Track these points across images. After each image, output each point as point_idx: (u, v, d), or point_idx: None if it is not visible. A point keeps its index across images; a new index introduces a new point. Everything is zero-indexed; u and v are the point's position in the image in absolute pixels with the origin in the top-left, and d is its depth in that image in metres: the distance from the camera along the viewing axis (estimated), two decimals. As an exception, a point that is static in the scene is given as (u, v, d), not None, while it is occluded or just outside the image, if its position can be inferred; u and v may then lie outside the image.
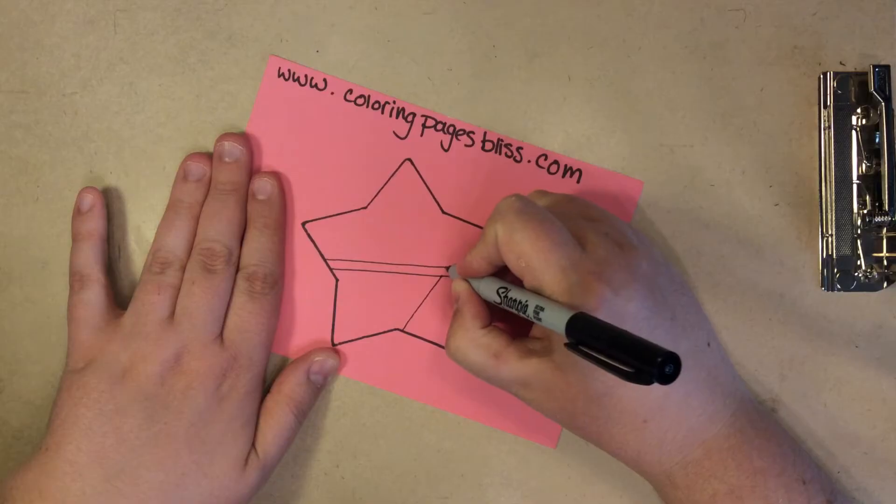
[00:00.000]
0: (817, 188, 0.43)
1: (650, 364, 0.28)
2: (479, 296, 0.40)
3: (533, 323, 0.37)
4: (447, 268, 0.43)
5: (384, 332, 0.43)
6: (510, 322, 0.41)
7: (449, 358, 0.40)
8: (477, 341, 0.38)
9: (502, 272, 0.39)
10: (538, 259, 0.35)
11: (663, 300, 0.37)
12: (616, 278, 0.35)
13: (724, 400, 0.38)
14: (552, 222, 0.36)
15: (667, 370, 0.28)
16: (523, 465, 0.43)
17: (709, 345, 0.40)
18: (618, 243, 0.37)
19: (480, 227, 0.43)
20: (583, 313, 0.32)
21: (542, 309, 0.34)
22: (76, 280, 0.41)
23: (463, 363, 0.39)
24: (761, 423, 0.40)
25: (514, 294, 0.37)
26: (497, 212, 0.37)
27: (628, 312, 0.35)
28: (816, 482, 0.39)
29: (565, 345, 0.32)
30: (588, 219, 0.38)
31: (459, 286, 0.40)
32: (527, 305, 0.35)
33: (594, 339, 0.31)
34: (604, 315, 0.34)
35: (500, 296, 0.38)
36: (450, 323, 0.40)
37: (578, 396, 0.36)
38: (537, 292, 0.36)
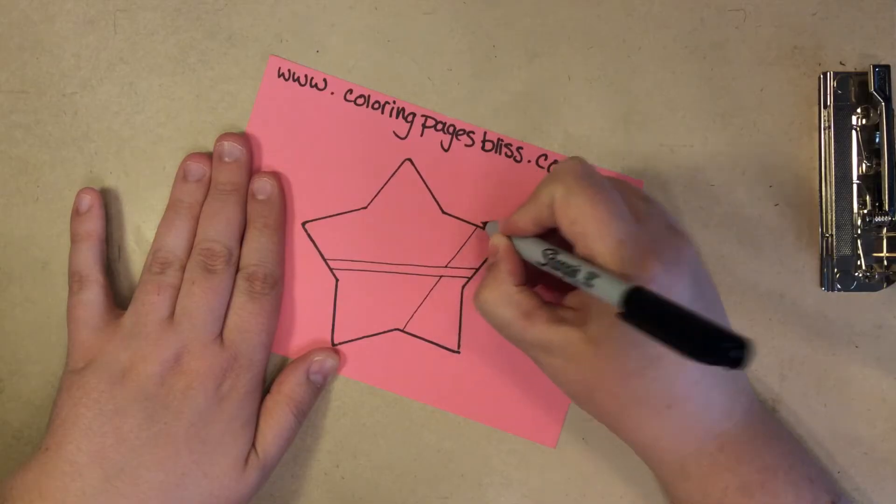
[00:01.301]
0: (817, 188, 0.43)
1: (723, 344, 0.27)
2: (517, 254, 0.39)
3: (565, 293, 0.37)
4: (483, 224, 0.43)
5: (384, 332, 0.43)
6: (545, 288, 0.40)
7: (475, 310, 0.39)
8: (510, 297, 0.38)
9: (546, 236, 0.38)
10: (595, 226, 0.35)
11: (704, 292, 0.37)
12: (668, 257, 0.35)
13: (739, 397, 0.38)
14: (612, 192, 0.36)
15: (738, 355, 0.27)
16: (523, 465, 0.43)
17: None
18: (670, 228, 0.37)
19: (480, 227, 0.43)
20: (643, 287, 0.32)
21: (594, 276, 0.34)
22: (75, 281, 0.41)
23: (490, 317, 0.39)
24: (771, 422, 0.40)
25: (564, 258, 0.36)
26: (557, 173, 0.37)
27: (674, 293, 0.35)
28: (822, 481, 0.39)
29: (619, 314, 0.31)
30: (642, 199, 0.38)
31: (500, 240, 0.39)
32: (577, 270, 0.34)
33: (653, 314, 0.30)
34: (653, 290, 0.34)
35: (546, 257, 0.37)
36: (483, 276, 0.39)
37: (606, 372, 0.36)
38: (588, 260, 0.35)
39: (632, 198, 0.38)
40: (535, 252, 0.38)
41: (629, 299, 0.31)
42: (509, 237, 0.39)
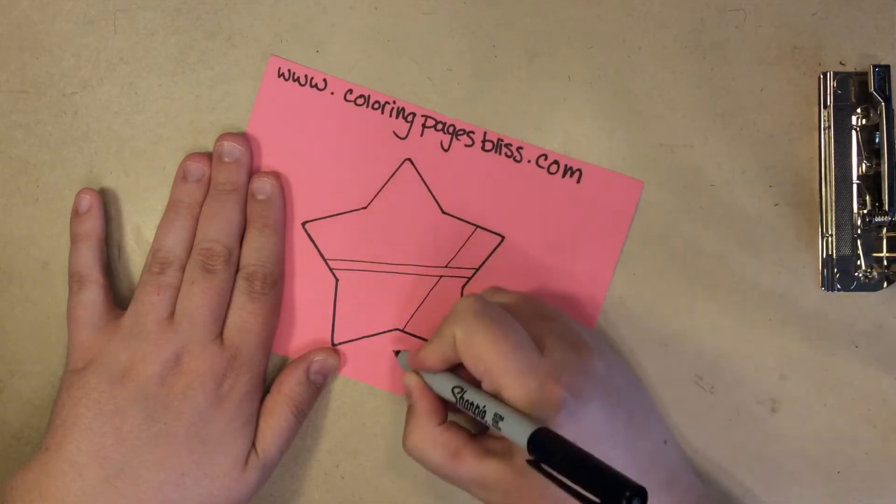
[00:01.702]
0: (817, 188, 0.43)
1: (617, 496, 0.28)
2: (431, 391, 0.39)
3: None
4: (396, 353, 0.43)
5: (384, 332, 0.43)
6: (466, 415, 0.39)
7: (407, 454, 0.39)
8: (434, 440, 0.38)
9: (454, 368, 0.39)
10: (498, 362, 0.35)
11: (619, 401, 0.37)
12: (574, 382, 0.35)
13: (681, 498, 0.38)
14: (511, 324, 0.36)
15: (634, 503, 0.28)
16: (523, 465, 0.43)
17: (665, 442, 0.40)
18: (574, 345, 0.37)
19: (480, 227, 0.43)
20: (545, 429, 0.32)
21: (502, 418, 0.34)
22: (75, 281, 0.41)
23: (421, 461, 0.39)
24: None
25: (471, 396, 0.36)
26: (455, 313, 0.37)
27: (588, 417, 0.35)
28: None
29: (527, 461, 0.32)
30: (544, 319, 0.38)
31: (410, 380, 0.39)
32: (485, 411, 0.35)
33: (556, 457, 0.30)
34: (563, 420, 0.34)
35: (455, 395, 0.37)
36: (405, 419, 0.39)
37: (538, 501, 0.36)
38: (496, 395, 0.36)
39: (533, 320, 0.38)
40: (445, 390, 0.38)
41: (535, 442, 0.31)
42: (420, 373, 0.39)
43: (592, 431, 0.35)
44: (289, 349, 0.43)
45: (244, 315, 0.40)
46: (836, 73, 0.43)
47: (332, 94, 0.43)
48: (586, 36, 0.43)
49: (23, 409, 0.43)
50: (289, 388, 0.41)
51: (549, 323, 0.38)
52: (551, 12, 0.43)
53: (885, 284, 0.42)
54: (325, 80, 0.43)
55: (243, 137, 0.43)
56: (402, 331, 0.43)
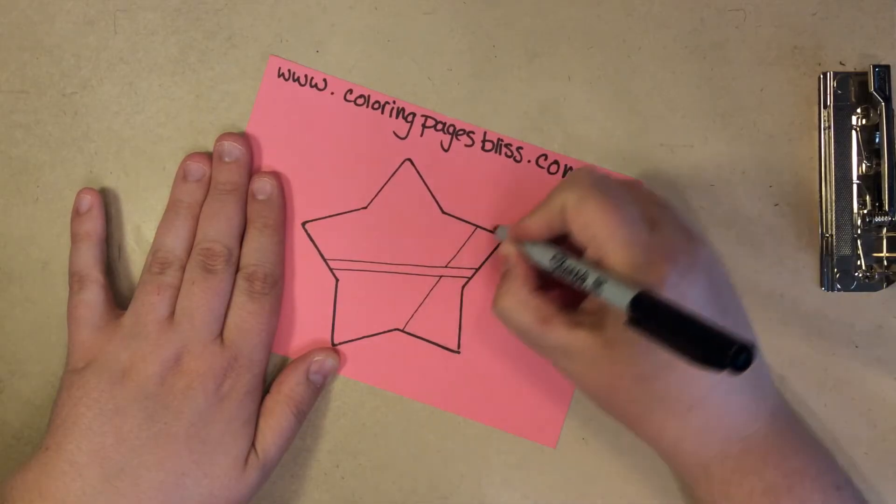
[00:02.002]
0: (817, 188, 0.43)
1: (725, 350, 0.27)
2: (529, 259, 0.39)
3: (583, 297, 0.37)
4: (494, 228, 0.43)
5: (384, 332, 0.43)
6: (561, 292, 0.40)
7: (495, 316, 0.39)
8: (527, 303, 0.38)
9: (557, 242, 0.39)
10: (607, 231, 0.35)
11: (718, 294, 0.37)
12: (681, 262, 0.35)
13: (765, 400, 0.38)
14: (625, 198, 0.36)
15: (741, 358, 0.27)
16: (523, 465, 0.43)
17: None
18: (683, 230, 0.37)
19: (480, 227, 0.43)
20: (649, 292, 0.32)
21: (604, 282, 0.34)
22: (75, 281, 0.41)
23: (509, 323, 0.39)
24: (797, 427, 0.39)
25: (571, 263, 0.36)
26: (570, 180, 0.37)
27: (688, 297, 0.35)
28: (849, 489, 0.38)
29: (627, 320, 0.32)
30: (657, 204, 0.38)
31: (509, 248, 0.39)
32: (585, 276, 0.35)
33: (660, 319, 0.30)
34: (665, 292, 0.34)
35: (554, 262, 0.37)
36: (498, 284, 0.39)
37: (624, 375, 0.36)
38: (598, 263, 0.36)
39: (647, 203, 0.38)
40: (544, 258, 0.38)
41: (636, 304, 0.31)
42: (520, 243, 0.39)
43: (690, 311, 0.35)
44: (289, 349, 0.43)
45: (244, 315, 0.40)
46: (836, 73, 0.43)
47: (332, 94, 0.43)
48: (586, 36, 0.43)
49: (23, 409, 0.43)
50: (289, 387, 0.41)
51: (661, 209, 0.38)
52: (551, 12, 0.43)
53: (885, 284, 0.42)
54: (325, 80, 0.43)
55: (243, 137, 0.43)
56: (402, 331, 0.43)
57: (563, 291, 0.40)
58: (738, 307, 0.39)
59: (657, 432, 0.37)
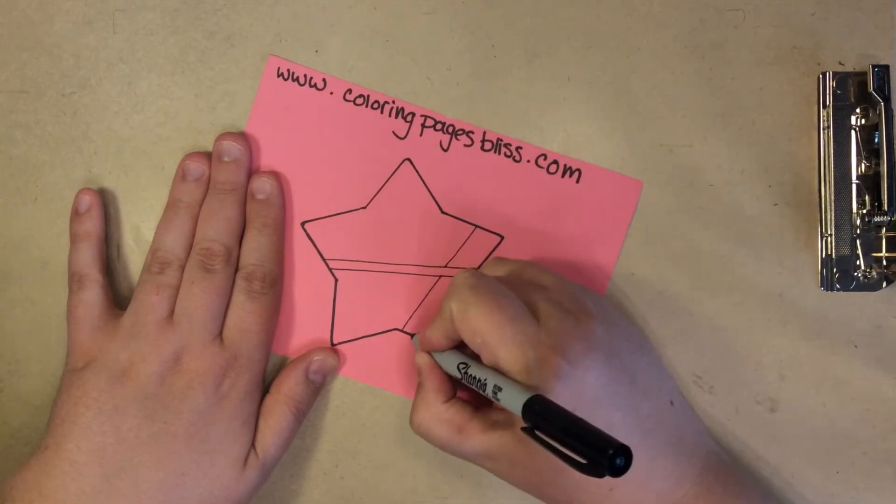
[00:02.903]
0: (817, 188, 0.43)
1: (601, 456, 0.28)
2: (440, 369, 0.39)
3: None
4: (412, 336, 0.43)
5: (384, 332, 0.43)
6: (474, 391, 0.39)
7: (413, 432, 0.39)
8: (440, 416, 0.38)
9: (464, 345, 0.38)
10: (493, 335, 0.35)
11: (621, 365, 0.37)
12: (572, 350, 0.35)
13: (689, 459, 0.38)
14: (506, 296, 0.36)
15: (618, 462, 0.28)
16: (523, 465, 0.43)
17: (672, 403, 0.40)
18: (572, 312, 0.37)
19: (480, 227, 0.43)
20: (539, 396, 0.32)
21: (500, 389, 0.34)
22: (75, 281, 0.41)
23: (427, 437, 0.39)
24: (729, 479, 0.39)
25: (474, 371, 0.36)
26: (451, 288, 0.37)
27: (587, 383, 0.35)
28: None
29: (522, 429, 0.32)
30: (540, 287, 0.38)
31: (421, 359, 0.39)
32: (486, 384, 0.35)
33: (549, 423, 0.31)
34: (562, 389, 0.34)
35: (460, 371, 0.37)
36: (414, 397, 0.40)
37: (543, 468, 0.36)
38: (494, 367, 0.36)
39: (531, 291, 0.38)
40: (452, 366, 0.38)
41: (529, 410, 0.32)
42: (430, 353, 0.40)
43: (592, 397, 0.35)
44: (288, 349, 0.43)
45: (244, 315, 0.40)
46: (835, 73, 0.43)
47: (332, 93, 0.43)
48: (586, 36, 0.43)
49: (22, 409, 0.43)
50: (288, 387, 0.41)
51: (545, 291, 0.38)
52: (551, 12, 0.43)
53: (885, 284, 0.42)
54: (324, 80, 0.43)
55: (243, 137, 0.43)
56: (402, 331, 0.43)
57: (478, 394, 0.40)
58: (648, 367, 0.39)
59: None
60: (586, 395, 0.35)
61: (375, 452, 0.43)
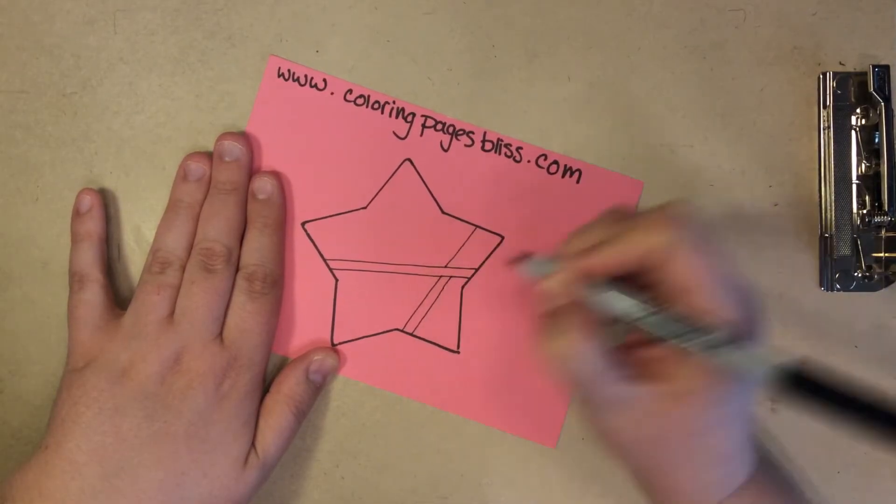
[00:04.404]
0: (817, 188, 0.43)
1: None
2: (586, 300, 0.35)
3: (633, 346, 0.35)
4: (520, 258, 0.37)
5: (384, 332, 0.43)
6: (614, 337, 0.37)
7: (543, 361, 0.35)
8: (584, 354, 0.34)
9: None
10: (717, 284, 0.33)
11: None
12: (757, 314, 0.34)
13: (752, 443, 0.38)
14: (725, 254, 0.34)
15: None
16: (523, 465, 0.43)
17: None
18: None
19: (480, 227, 0.43)
20: (803, 365, 0.30)
21: (722, 344, 0.31)
22: (76, 280, 0.41)
23: (563, 371, 0.35)
24: (777, 466, 0.40)
25: (669, 315, 0.33)
26: (674, 218, 0.33)
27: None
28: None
29: (784, 387, 0.30)
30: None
31: (563, 286, 0.35)
32: (692, 333, 0.32)
33: (814, 392, 0.29)
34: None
35: (640, 312, 0.33)
36: (547, 323, 0.35)
37: (676, 430, 0.34)
38: (693, 317, 0.33)
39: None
40: (622, 304, 0.34)
41: (790, 375, 0.30)
42: (581, 283, 0.35)
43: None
44: (289, 349, 0.43)
45: (244, 315, 0.40)
46: (835, 73, 0.43)
47: (332, 94, 0.43)
48: (586, 36, 0.43)
49: (22, 409, 0.43)
50: (288, 387, 0.41)
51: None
52: (551, 12, 0.43)
53: (885, 284, 0.42)
54: (324, 80, 0.43)
55: (243, 137, 0.43)
56: (402, 331, 0.43)
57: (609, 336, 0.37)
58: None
59: (682, 484, 0.36)
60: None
61: (376, 452, 0.43)
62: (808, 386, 0.30)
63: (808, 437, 0.43)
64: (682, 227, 0.33)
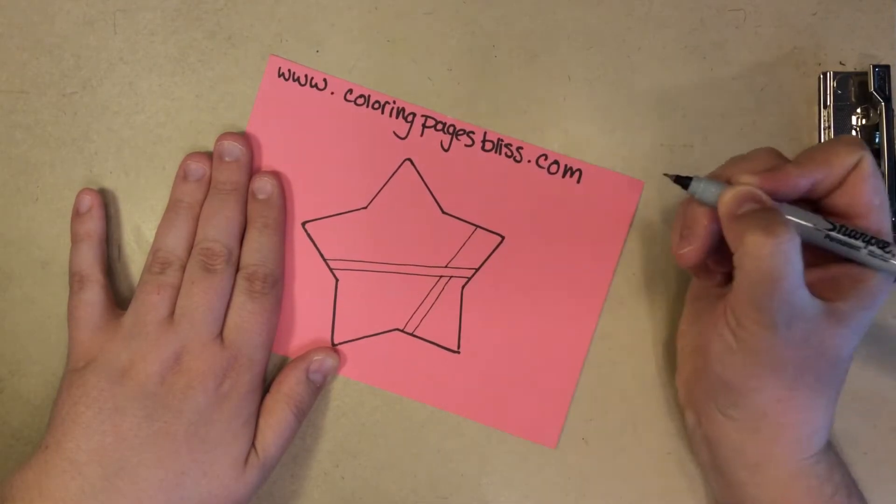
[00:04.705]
0: (817, 188, 0.43)
1: None
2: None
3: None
4: (686, 178, 0.36)
5: (384, 332, 0.43)
6: (717, 259, 0.37)
7: (746, 254, 0.33)
8: (791, 254, 0.33)
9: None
10: (886, 213, 0.35)
11: None
12: None
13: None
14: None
15: None
16: (523, 465, 0.43)
17: None
18: None
19: (480, 227, 0.43)
20: None
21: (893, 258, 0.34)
22: (76, 280, 0.41)
23: (768, 264, 0.33)
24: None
25: (850, 232, 0.35)
26: (858, 143, 0.35)
27: None
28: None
29: None
30: None
31: (751, 200, 0.35)
32: (873, 245, 0.34)
33: None
34: None
35: (827, 225, 0.35)
36: (750, 216, 0.34)
37: (828, 352, 0.35)
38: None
39: None
40: (809, 218, 0.35)
41: None
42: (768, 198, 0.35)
43: None
44: (289, 349, 0.43)
45: (244, 315, 0.40)
46: (836, 73, 0.43)
47: (332, 93, 0.43)
48: (586, 36, 0.43)
49: (22, 409, 0.43)
50: (288, 387, 0.41)
51: None
52: (551, 12, 0.43)
53: (885, 284, 0.42)
54: (325, 80, 0.43)
55: (244, 137, 0.43)
56: (402, 331, 0.43)
57: (718, 261, 0.37)
58: None
59: (799, 421, 0.36)
60: None
61: (376, 452, 0.43)
62: None
63: (808, 437, 0.43)
64: (867, 151, 0.35)
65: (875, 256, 0.34)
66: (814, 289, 0.34)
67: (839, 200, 0.36)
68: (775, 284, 0.33)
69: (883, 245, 0.34)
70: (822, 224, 0.35)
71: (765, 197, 0.35)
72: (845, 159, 0.35)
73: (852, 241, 0.35)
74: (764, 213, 0.34)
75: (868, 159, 0.35)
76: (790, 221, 0.34)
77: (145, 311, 0.40)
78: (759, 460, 0.37)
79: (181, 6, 0.43)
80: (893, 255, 0.34)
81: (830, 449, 0.38)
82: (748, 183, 0.35)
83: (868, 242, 0.35)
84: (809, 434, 0.37)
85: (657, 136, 0.43)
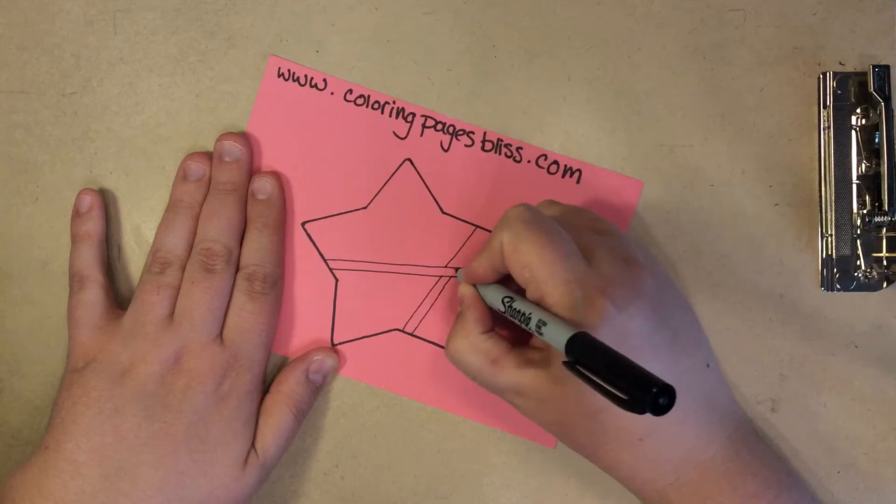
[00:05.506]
0: (817, 188, 0.43)
1: (644, 393, 0.28)
2: (483, 301, 0.39)
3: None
4: (456, 270, 0.43)
5: (384, 333, 0.43)
6: (513, 330, 0.40)
7: (447, 359, 0.40)
8: (476, 346, 0.38)
9: (507, 280, 0.39)
10: (543, 271, 0.35)
11: (666, 318, 0.37)
12: (620, 295, 0.35)
13: (720, 423, 0.39)
14: (559, 234, 0.36)
15: (661, 401, 0.28)
16: (523, 465, 0.43)
17: (708, 365, 0.40)
18: (624, 259, 0.37)
19: (480, 227, 0.43)
20: (583, 333, 0.32)
21: (545, 324, 0.34)
22: (76, 281, 0.41)
23: (460, 365, 0.39)
24: (757, 448, 0.40)
25: (519, 305, 0.36)
26: (504, 220, 0.37)
27: (630, 330, 0.35)
28: None
29: (563, 363, 0.32)
30: (596, 232, 0.38)
31: (465, 290, 0.40)
32: (530, 318, 0.35)
33: (592, 360, 0.31)
34: (606, 331, 0.34)
35: (504, 305, 0.37)
36: (452, 325, 0.40)
37: (574, 410, 0.36)
38: (540, 304, 0.36)
39: (584, 233, 0.38)
40: (496, 300, 0.38)
41: (573, 345, 0.32)
42: (474, 285, 0.40)
43: (633, 344, 0.35)
44: (289, 349, 0.43)
45: (244, 315, 0.40)
46: (835, 73, 0.43)
47: (332, 94, 0.43)
48: (586, 36, 0.43)
49: (22, 409, 0.43)
50: (288, 387, 0.41)
51: (600, 237, 0.38)
52: (551, 12, 0.43)
53: (885, 284, 0.42)
54: (325, 80, 0.43)
55: (244, 137, 0.43)
56: (402, 331, 0.43)
57: (515, 332, 0.40)
58: (690, 326, 0.39)
59: (613, 463, 0.38)
60: (629, 341, 0.35)
61: (376, 453, 0.43)
62: (584, 352, 0.32)
63: (808, 437, 0.43)
64: (513, 227, 0.36)
65: (533, 331, 0.35)
66: (539, 356, 0.37)
67: (513, 276, 0.37)
68: (476, 379, 0.39)
69: (525, 321, 0.36)
70: (499, 307, 0.38)
71: (469, 297, 0.40)
72: (494, 243, 0.37)
73: (515, 320, 0.37)
74: (459, 318, 0.40)
75: (506, 239, 0.36)
76: (483, 317, 0.39)
77: (145, 311, 0.40)
78: (632, 475, 0.39)
79: (181, 6, 0.43)
80: (538, 330, 0.34)
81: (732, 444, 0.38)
82: (463, 290, 0.40)
83: (520, 321, 0.36)
84: (634, 472, 0.38)
85: (657, 136, 0.43)
